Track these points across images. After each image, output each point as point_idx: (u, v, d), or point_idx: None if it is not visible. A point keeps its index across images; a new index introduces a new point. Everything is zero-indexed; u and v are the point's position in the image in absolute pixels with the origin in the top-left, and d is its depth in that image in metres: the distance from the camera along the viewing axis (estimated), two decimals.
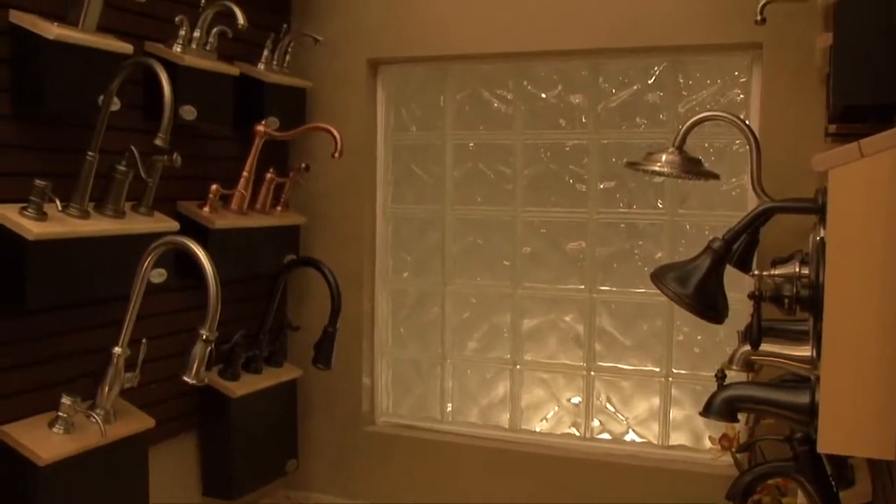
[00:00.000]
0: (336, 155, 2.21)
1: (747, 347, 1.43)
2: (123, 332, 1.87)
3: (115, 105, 1.88)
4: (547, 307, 2.57)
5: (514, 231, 2.58)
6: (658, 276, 1.50)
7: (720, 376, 1.65)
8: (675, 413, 2.44)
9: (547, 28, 2.41)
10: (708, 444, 2.24)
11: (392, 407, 2.76)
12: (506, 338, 2.62)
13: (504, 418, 2.63)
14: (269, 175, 2.39)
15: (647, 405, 2.48)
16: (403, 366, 2.76)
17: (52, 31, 1.74)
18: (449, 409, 2.70)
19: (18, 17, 1.76)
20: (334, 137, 2.22)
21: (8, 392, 1.82)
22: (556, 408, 2.58)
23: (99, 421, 1.86)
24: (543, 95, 2.54)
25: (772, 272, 1.31)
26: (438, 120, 2.66)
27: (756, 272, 1.31)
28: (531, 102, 2.56)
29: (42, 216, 1.74)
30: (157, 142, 1.77)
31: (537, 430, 2.60)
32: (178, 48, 2.11)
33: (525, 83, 2.56)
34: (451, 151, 2.65)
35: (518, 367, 2.60)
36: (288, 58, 2.50)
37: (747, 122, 2.02)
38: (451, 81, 2.64)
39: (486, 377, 2.66)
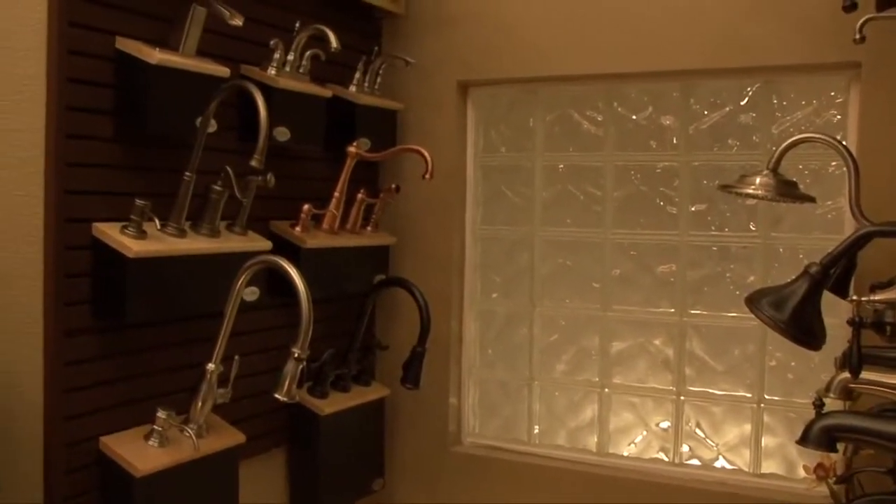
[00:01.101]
0: (427, 176, 2.23)
1: (846, 374, 1.40)
2: (217, 349, 1.91)
3: (212, 127, 1.92)
4: (636, 330, 2.55)
5: (604, 253, 2.57)
6: (753, 301, 1.48)
7: (818, 404, 1.62)
8: (767, 440, 2.39)
9: (638, 49, 2.40)
10: (802, 473, 2.19)
11: (479, 428, 2.75)
12: (594, 360, 2.60)
13: (592, 441, 2.61)
14: (359, 195, 2.42)
15: (738, 431, 2.43)
16: (491, 387, 2.75)
17: (155, 56, 1.79)
18: (536, 431, 2.68)
19: (124, 44, 1.82)
20: (425, 159, 2.24)
21: (108, 405, 1.87)
22: (645, 432, 2.55)
23: (192, 435, 1.90)
24: (634, 117, 2.53)
25: (871, 298, 1.28)
26: (528, 141, 2.66)
27: (854, 297, 1.28)
28: (621, 124, 2.54)
29: (141, 234, 1.79)
30: (253, 163, 1.80)
31: (625, 454, 2.57)
32: (272, 71, 2.15)
33: (615, 104, 2.55)
34: (540, 173, 2.64)
35: (606, 390, 2.58)
36: (379, 80, 2.53)
37: (844, 143, 1.98)
38: (541, 103, 2.64)
39: (574, 400, 2.64)
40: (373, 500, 2.66)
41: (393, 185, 2.51)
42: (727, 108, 2.42)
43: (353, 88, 2.44)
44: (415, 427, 2.71)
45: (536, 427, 2.68)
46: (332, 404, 2.38)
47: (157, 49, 1.81)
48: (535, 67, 2.53)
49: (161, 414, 1.88)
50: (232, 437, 2.04)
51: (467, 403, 2.74)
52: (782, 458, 2.38)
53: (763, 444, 2.39)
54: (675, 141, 2.47)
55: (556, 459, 2.60)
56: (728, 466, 2.44)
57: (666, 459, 2.51)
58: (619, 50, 2.42)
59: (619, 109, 2.54)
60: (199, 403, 1.93)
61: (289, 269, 1.77)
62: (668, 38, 2.36)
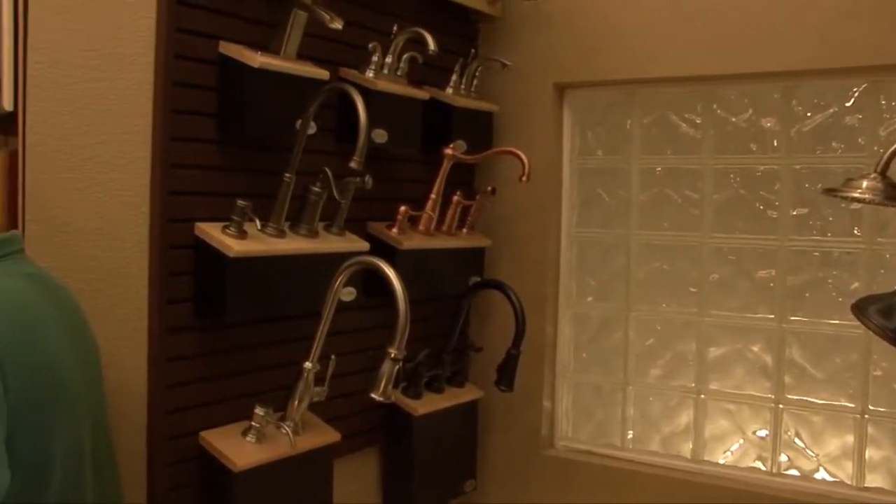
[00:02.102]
0: (523, 179, 2.23)
1: None
2: (314, 348, 1.94)
3: (312, 129, 1.95)
4: (734, 336, 2.50)
5: (701, 257, 2.53)
6: (860, 308, 1.44)
7: None
8: (871, 452, 2.32)
9: (738, 50, 2.36)
10: None
11: (571, 431, 2.74)
12: (690, 366, 2.56)
13: (686, 448, 2.57)
14: (455, 197, 2.43)
15: (840, 442, 2.37)
16: (584, 391, 2.74)
17: (257, 59, 1.82)
18: (630, 436, 2.66)
19: (227, 48, 1.86)
20: (522, 161, 2.23)
21: (207, 400, 1.92)
22: (741, 440, 2.50)
23: (289, 432, 1.93)
24: (733, 119, 2.48)
25: None
26: (625, 144, 2.64)
27: None
28: (720, 126, 2.50)
29: (242, 234, 1.83)
30: (353, 164, 1.83)
31: (721, 461, 2.53)
32: (370, 74, 2.18)
33: (714, 107, 2.51)
34: (637, 176, 2.62)
35: (702, 396, 2.54)
36: (475, 82, 2.53)
37: None
38: (639, 105, 2.61)
39: (669, 405, 2.61)
40: (464, 502, 2.66)
41: (489, 188, 2.52)
42: (831, 110, 2.36)
43: (449, 91, 2.46)
44: (507, 429, 2.71)
45: (630, 432, 2.66)
46: (426, 405, 2.40)
47: (259, 53, 1.85)
48: (633, 69, 2.51)
49: (259, 411, 1.91)
50: (327, 435, 2.07)
51: (560, 407, 2.73)
52: (888, 472, 2.31)
53: (867, 457, 2.33)
54: (775, 143, 2.42)
55: (650, 465, 2.57)
56: (829, 479, 2.38)
57: (763, 469, 2.46)
58: (718, 51, 2.38)
59: (719, 111, 2.50)
60: (296, 401, 1.96)
61: (386, 269, 1.78)
62: (768, 38, 2.31)
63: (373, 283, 2.12)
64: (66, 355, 1.38)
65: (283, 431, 1.94)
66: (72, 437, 1.38)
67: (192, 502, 1.92)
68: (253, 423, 1.92)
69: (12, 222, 1.73)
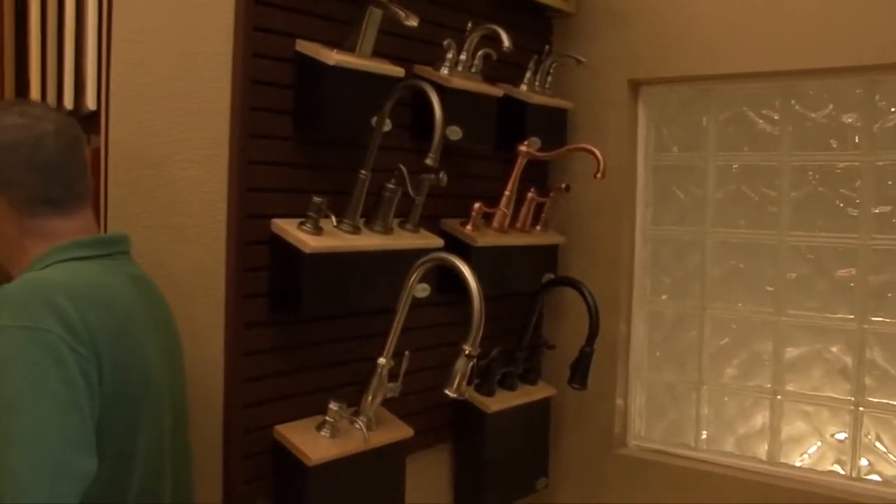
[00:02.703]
0: (598, 176, 2.21)
1: None
2: (388, 344, 1.95)
3: (387, 126, 1.96)
4: (812, 336, 2.45)
5: (779, 255, 2.49)
6: None
7: None
8: None
9: (818, 45, 2.31)
10: None
11: (644, 431, 2.72)
12: (766, 366, 2.52)
13: (762, 450, 2.53)
14: (529, 194, 2.42)
15: None
16: (658, 389, 2.71)
17: (333, 57, 1.84)
18: (704, 436, 2.62)
19: (303, 46, 1.88)
20: (597, 158, 2.22)
21: (283, 394, 1.94)
22: (819, 443, 2.46)
23: (363, 427, 1.95)
24: (813, 115, 2.44)
25: None
26: (701, 140, 2.60)
27: None
28: (799, 122, 2.45)
29: (318, 230, 1.85)
30: (428, 161, 1.83)
31: (797, 464, 2.48)
32: (445, 71, 2.18)
33: (793, 102, 2.46)
34: (713, 173, 2.58)
35: (779, 397, 2.50)
36: (550, 79, 2.52)
37: None
38: (715, 101, 2.58)
39: (744, 406, 2.57)
40: (535, 500, 2.65)
41: (563, 185, 2.51)
42: None
43: (523, 87, 2.45)
44: (580, 428, 2.70)
45: (704, 432, 2.62)
46: (498, 402, 2.40)
47: (335, 50, 1.86)
48: (710, 65, 2.47)
49: (333, 405, 1.93)
50: (400, 430, 2.08)
51: (634, 406, 2.71)
52: None
53: None
54: (857, 140, 2.37)
55: (724, 466, 2.54)
56: None
57: (842, 473, 2.41)
58: (797, 46, 2.34)
59: (797, 107, 2.45)
60: (370, 397, 1.97)
61: (461, 266, 1.78)
62: (849, 32, 2.26)
63: (446, 280, 2.12)
64: (154, 354, 1.41)
65: (357, 427, 1.95)
66: (154, 433, 1.41)
67: (266, 495, 1.94)
68: (327, 418, 1.93)
69: (96, 217, 1.78)
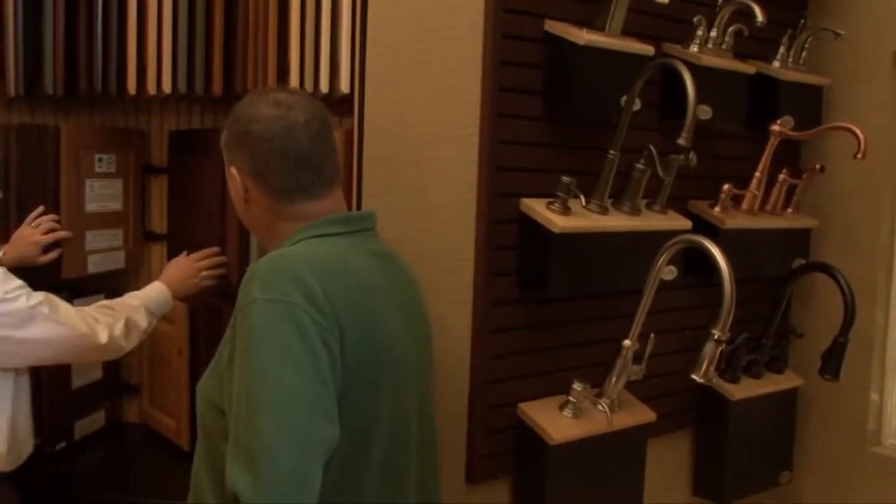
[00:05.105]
0: (859, 156, 2.09)
1: None
2: (634, 326, 1.93)
3: (636, 105, 1.93)
4: None
5: None
6: None
7: None
8: None
9: None
10: None
11: None
12: None
13: None
14: (781, 176, 2.33)
15: None
16: None
17: (583, 37, 1.83)
18: None
19: (552, 26, 1.88)
20: (858, 137, 2.09)
21: (526, 373, 1.96)
22: None
23: (606, 409, 1.94)
24: None
25: None
26: None
27: None
28: None
29: (566, 210, 1.85)
30: (681, 141, 1.78)
31: None
32: (694, 48, 2.12)
33: None
34: None
35: None
36: (804, 54, 2.41)
37: None
38: None
39: None
40: (778, 493, 2.56)
41: (817, 165, 2.39)
42: None
43: (776, 64, 2.35)
44: (829, 422, 2.57)
45: None
46: (743, 390, 2.33)
47: (585, 30, 1.85)
48: None
49: (577, 386, 1.93)
50: (643, 414, 2.06)
51: (890, 402, 2.55)
52: None
53: None
54: None
55: None
56: None
57: None
58: None
59: None
60: (614, 379, 1.96)
61: (713, 249, 1.73)
62: None
63: (693, 263, 2.07)
64: (397, 329, 1.45)
65: (600, 408, 1.94)
66: (398, 408, 1.45)
67: (507, 470, 1.98)
68: (570, 398, 1.94)
69: (347, 196, 1.85)
